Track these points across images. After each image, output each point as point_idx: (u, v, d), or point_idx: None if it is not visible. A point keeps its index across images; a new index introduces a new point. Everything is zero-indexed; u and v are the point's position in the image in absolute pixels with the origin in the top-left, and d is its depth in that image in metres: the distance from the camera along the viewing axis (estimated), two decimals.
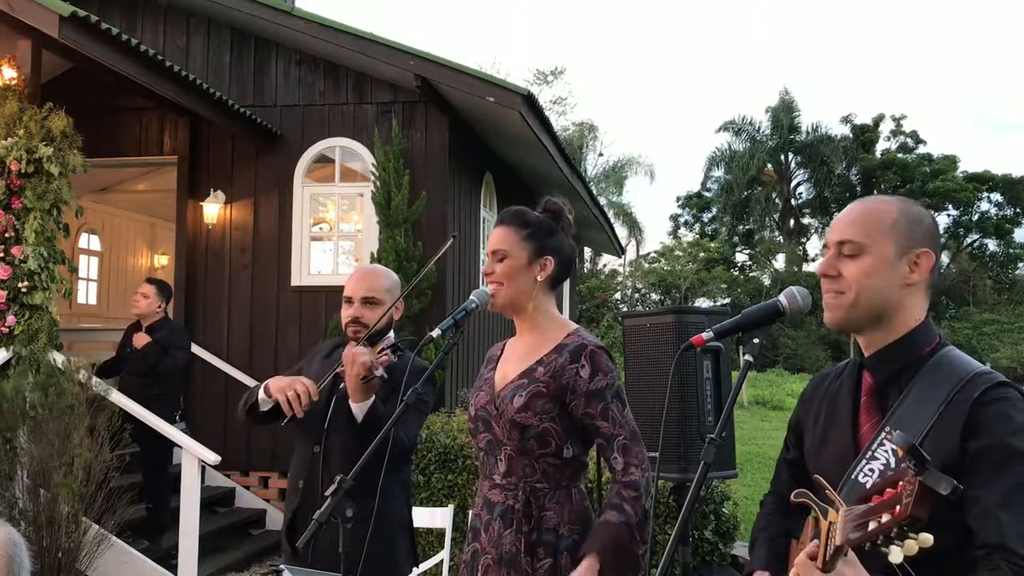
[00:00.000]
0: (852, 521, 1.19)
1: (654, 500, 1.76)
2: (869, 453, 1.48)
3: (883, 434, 1.47)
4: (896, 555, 1.12)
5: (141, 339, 5.81)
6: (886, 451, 1.46)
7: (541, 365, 2.09)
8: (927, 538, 1.11)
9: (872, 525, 1.15)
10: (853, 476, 1.48)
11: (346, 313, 2.64)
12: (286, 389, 2.35)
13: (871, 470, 1.46)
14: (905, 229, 1.54)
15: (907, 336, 1.54)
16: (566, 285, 11.88)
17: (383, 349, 2.48)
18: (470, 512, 2.24)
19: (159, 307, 5.96)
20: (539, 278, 2.14)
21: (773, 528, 1.76)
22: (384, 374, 2.36)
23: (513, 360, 2.18)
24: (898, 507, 1.11)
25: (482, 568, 2.09)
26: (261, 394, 2.48)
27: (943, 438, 1.42)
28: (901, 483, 1.13)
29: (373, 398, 2.39)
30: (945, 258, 33.11)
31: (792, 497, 1.49)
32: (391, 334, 2.72)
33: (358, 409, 2.38)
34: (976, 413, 1.42)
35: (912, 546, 1.11)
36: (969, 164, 40.58)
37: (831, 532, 1.24)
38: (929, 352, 1.53)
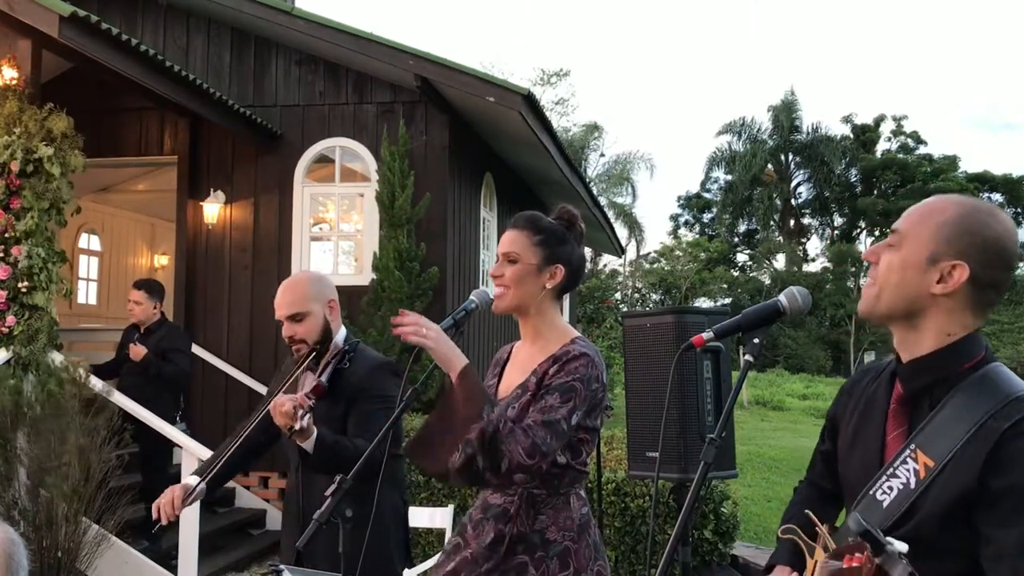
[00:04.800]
0: (826, 573, 1.25)
1: (654, 500, 1.74)
2: (890, 470, 1.43)
3: (907, 451, 1.42)
4: None
5: (137, 351, 5.68)
6: (908, 470, 1.41)
7: (535, 375, 2.08)
8: None
9: None
10: (871, 492, 1.44)
11: (284, 333, 2.73)
12: (159, 502, 2.61)
13: (889, 488, 1.42)
14: (949, 235, 1.41)
15: (942, 351, 1.43)
16: None
17: (308, 393, 2.52)
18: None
19: (154, 309, 5.92)
20: (547, 286, 2.12)
21: (800, 520, 1.75)
22: (305, 424, 2.40)
23: (516, 368, 2.18)
24: None
25: (459, 558, 2.10)
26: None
27: (964, 468, 1.34)
28: (862, 555, 1.19)
29: (315, 433, 2.46)
30: None
31: (780, 533, 1.62)
32: (339, 336, 2.74)
33: (307, 447, 2.48)
34: (1004, 445, 1.32)
35: None
36: (969, 164, 40.60)
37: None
38: (970, 367, 1.42)
